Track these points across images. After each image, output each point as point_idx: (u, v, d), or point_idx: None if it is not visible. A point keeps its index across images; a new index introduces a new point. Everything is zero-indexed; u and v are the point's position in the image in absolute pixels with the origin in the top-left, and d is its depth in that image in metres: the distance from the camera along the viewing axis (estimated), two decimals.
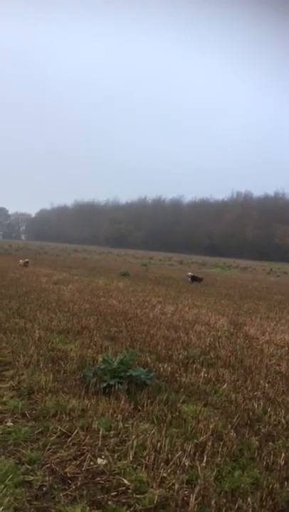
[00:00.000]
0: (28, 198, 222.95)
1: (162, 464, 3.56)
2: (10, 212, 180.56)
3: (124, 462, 3.59)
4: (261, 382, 5.98)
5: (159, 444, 3.85)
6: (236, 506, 3.13)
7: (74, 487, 3.26)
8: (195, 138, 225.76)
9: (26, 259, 26.10)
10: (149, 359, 6.51)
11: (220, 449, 3.90)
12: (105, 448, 3.81)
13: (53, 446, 3.79)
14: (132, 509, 3.07)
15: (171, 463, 3.60)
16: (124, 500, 3.15)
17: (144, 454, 3.71)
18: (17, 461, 3.54)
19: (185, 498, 3.19)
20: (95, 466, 3.54)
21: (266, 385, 5.88)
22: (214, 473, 3.51)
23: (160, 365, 6.25)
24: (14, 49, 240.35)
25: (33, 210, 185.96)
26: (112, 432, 4.09)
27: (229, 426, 4.44)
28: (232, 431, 4.33)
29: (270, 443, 4.17)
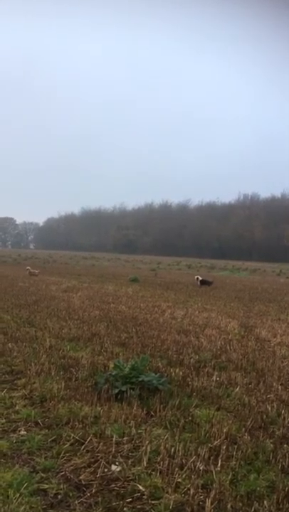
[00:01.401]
0: (36, 208, 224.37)
1: (177, 469, 3.54)
2: (18, 222, 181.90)
3: (139, 468, 3.58)
4: (274, 384, 5.93)
5: (172, 449, 3.83)
6: (252, 510, 3.10)
7: (89, 494, 3.26)
8: (199, 142, 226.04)
9: (37, 271, 26.15)
10: (160, 364, 6.50)
11: (234, 453, 3.88)
12: (119, 454, 3.80)
13: (67, 454, 3.79)
14: None
15: (185, 468, 3.58)
16: (139, 507, 3.14)
17: (158, 459, 3.69)
18: (31, 470, 3.55)
19: (201, 502, 3.17)
20: (109, 472, 3.53)
21: (279, 387, 5.83)
22: (229, 477, 3.49)
23: (172, 370, 6.23)
24: (15, 59, 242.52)
25: (40, 219, 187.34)
26: (125, 438, 4.08)
27: (243, 429, 4.41)
28: (246, 434, 4.30)
29: (285, 445, 4.13)
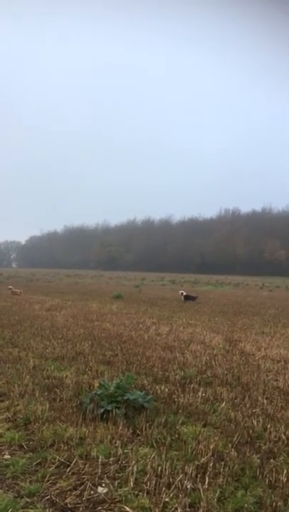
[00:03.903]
0: (17, 227, 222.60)
1: (164, 489, 3.51)
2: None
3: (126, 489, 3.53)
4: (259, 398, 5.94)
5: (159, 468, 3.79)
6: None
7: None
8: (180, 159, 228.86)
9: (19, 290, 25.74)
10: (145, 381, 6.46)
11: (221, 470, 3.86)
12: (105, 476, 3.74)
13: (52, 477, 3.72)
14: None
15: (172, 487, 3.54)
16: None
17: (145, 479, 3.65)
18: (16, 495, 3.47)
19: None
20: (95, 495, 3.47)
21: (264, 401, 5.85)
22: (217, 495, 3.47)
23: (157, 387, 6.20)
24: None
25: (22, 238, 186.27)
26: (111, 459, 4.02)
27: (230, 445, 4.40)
28: (233, 450, 4.29)
29: (272, 460, 4.14)
